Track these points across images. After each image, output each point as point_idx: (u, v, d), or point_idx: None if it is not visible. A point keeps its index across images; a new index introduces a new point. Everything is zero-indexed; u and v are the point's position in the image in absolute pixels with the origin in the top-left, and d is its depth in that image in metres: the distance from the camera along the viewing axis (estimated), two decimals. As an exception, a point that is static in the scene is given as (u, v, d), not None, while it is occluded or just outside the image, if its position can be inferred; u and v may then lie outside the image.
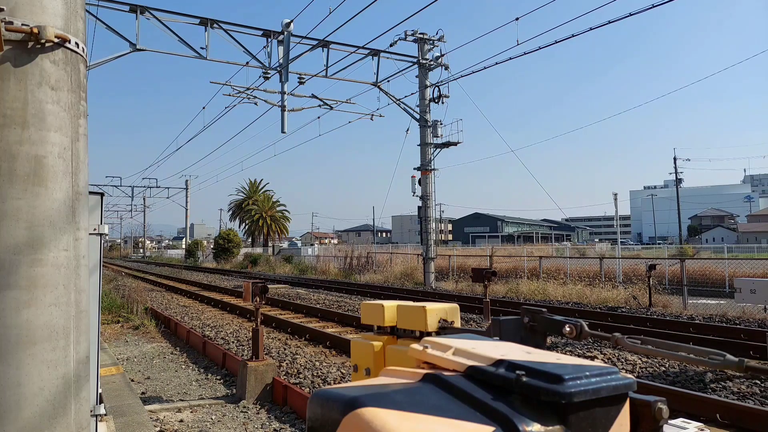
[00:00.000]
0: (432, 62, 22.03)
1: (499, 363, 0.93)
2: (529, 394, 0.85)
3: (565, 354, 1.05)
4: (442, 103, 22.10)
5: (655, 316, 12.35)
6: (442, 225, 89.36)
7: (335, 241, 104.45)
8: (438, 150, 22.25)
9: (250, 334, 8.90)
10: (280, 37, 18.00)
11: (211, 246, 60.13)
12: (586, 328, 1.69)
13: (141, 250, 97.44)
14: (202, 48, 17.75)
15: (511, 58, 18.14)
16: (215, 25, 17.96)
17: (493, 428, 0.79)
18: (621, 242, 34.70)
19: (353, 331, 11.58)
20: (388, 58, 21.61)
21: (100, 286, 3.12)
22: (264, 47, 18.83)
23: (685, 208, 72.25)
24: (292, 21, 16.90)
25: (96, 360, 3.01)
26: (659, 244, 56.57)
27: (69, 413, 1.97)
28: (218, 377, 7.96)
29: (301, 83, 20.84)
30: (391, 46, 21.10)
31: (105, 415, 4.42)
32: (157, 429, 5.47)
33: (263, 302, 6.78)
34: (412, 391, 0.90)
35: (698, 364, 1.72)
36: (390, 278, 26.21)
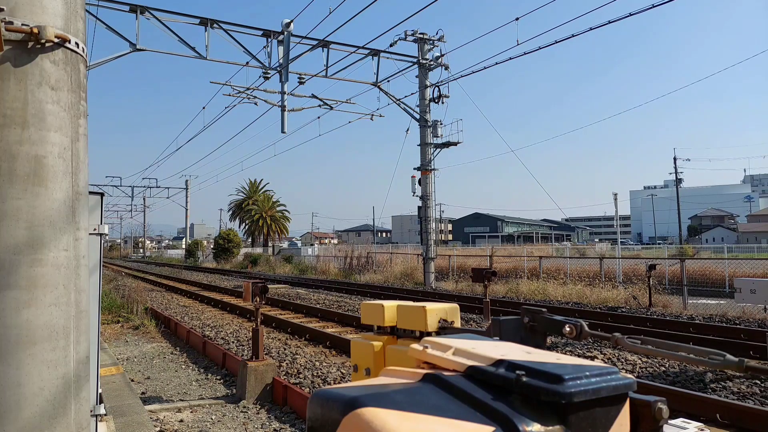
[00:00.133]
0: (432, 62, 22.03)
1: (499, 363, 0.93)
2: (529, 394, 0.85)
3: (565, 354, 1.05)
4: (442, 103, 22.11)
5: (655, 316, 12.35)
6: (442, 225, 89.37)
7: (335, 241, 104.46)
8: (438, 150, 22.26)
9: (250, 334, 8.90)
10: (280, 37, 18.01)
11: (211, 246, 60.14)
12: (586, 328, 1.69)
13: (141, 250, 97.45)
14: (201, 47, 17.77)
15: (511, 58, 18.16)
16: (215, 25, 17.96)
17: (493, 428, 0.79)
18: (621, 242, 34.70)
19: (353, 331, 11.58)
20: (388, 58, 21.62)
21: (100, 286, 3.12)
22: (264, 47, 18.84)
23: (685, 208, 72.26)
24: (292, 21, 16.90)
25: (96, 360, 3.01)
26: (659, 244, 56.58)
27: (69, 413, 1.97)
28: (218, 377, 7.97)
29: (301, 83, 20.84)
30: (391, 46, 21.11)
31: (105, 415, 4.43)
32: (157, 429, 5.47)
33: (263, 302, 6.78)
34: (412, 391, 0.91)
35: (698, 364, 1.72)
36: (390, 278, 26.21)
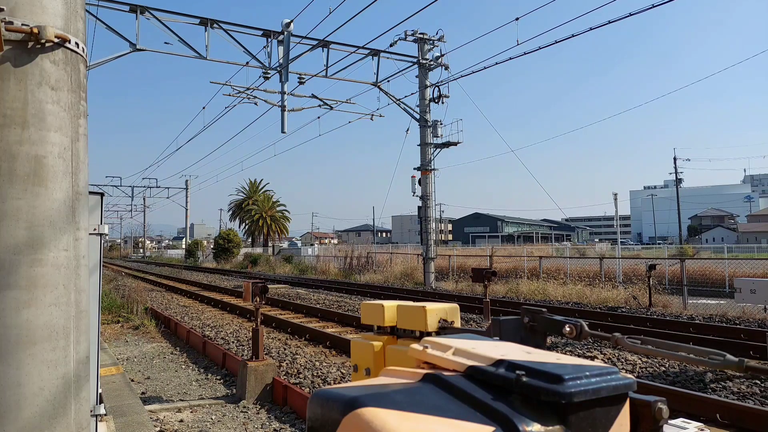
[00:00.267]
0: (432, 62, 22.03)
1: (499, 363, 0.93)
2: (529, 394, 0.85)
3: (565, 354, 1.05)
4: (442, 103, 22.11)
5: (655, 316, 12.34)
6: (442, 225, 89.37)
7: (335, 241, 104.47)
8: (438, 150, 22.26)
9: (250, 334, 8.90)
10: (280, 37, 18.01)
11: (211, 246, 60.14)
12: (586, 328, 1.69)
13: (141, 250, 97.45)
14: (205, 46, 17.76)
15: (511, 58, 18.16)
16: (215, 25, 17.96)
17: (493, 428, 0.79)
18: (621, 242, 34.70)
19: (353, 331, 11.58)
20: (388, 58, 21.62)
21: (100, 286, 3.12)
22: (264, 47, 18.84)
23: (685, 208, 72.27)
24: (292, 21, 16.90)
25: (96, 360, 3.01)
26: (659, 244, 56.57)
27: (69, 413, 1.97)
28: (218, 377, 7.97)
29: (301, 83, 20.84)
30: (391, 46, 21.11)
31: (105, 415, 4.43)
32: (157, 429, 5.47)
33: (263, 302, 6.78)
34: (412, 391, 0.91)
35: (698, 364, 1.72)
36: (390, 278, 26.21)
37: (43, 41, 1.92)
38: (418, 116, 22.27)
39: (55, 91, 1.98)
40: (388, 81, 22.10)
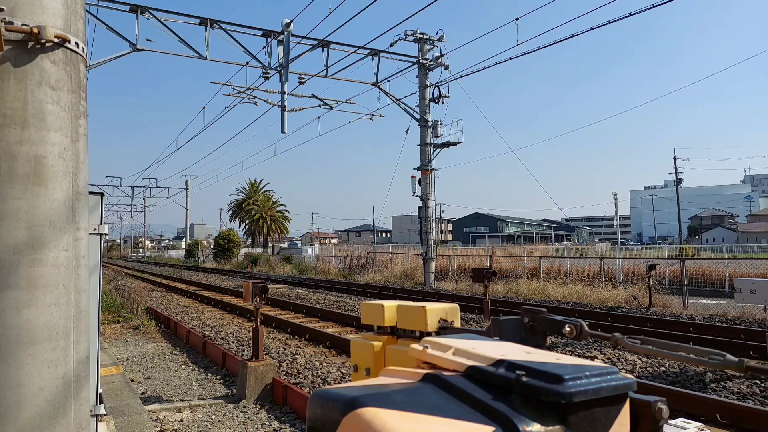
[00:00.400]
0: (432, 62, 22.03)
1: (499, 363, 0.93)
2: (529, 394, 0.85)
3: (565, 354, 1.05)
4: (442, 103, 22.11)
5: (655, 316, 12.34)
6: (442, 225, 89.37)
7: (335, 241, 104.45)
8: (438, 150, 22.26)
9: (250, 334, 8.90)
10: (280, 37, 18.01)
11: (211, 246, 60.14)
12: (586, 328, 1.69)
13: (141, 250, 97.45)
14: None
15: (511, 58, 18.16)
16: (215, 25, 17.96)
17: (493, 428, 0.79)
18: (621, 242, 34.71)
19: (353, 331, 11.58)
20: (388, 58, 21.62)
21: (100, 286, 3.12)
22: (264, 47, 18.84)
23: (685, 208, 72.26)
24: (292, 21, 16.90)
25: (96, 360, 3.01)
26: (659, 244, 56.57)
27: (69, 413, 1.97)
28: (218, 377, 7.97)
29: (301, 83, 20.84)
30: (391, 46, 21.11)
31: (105, 415, 4.43)
32: (157, 429, 5.47)
33: (263, 302, 6.78)
34: (412, 391, 0.91)
35: (698, 364, 1.72)
36: (390, 278, 26.21)
37: (43, 41, 1.92)
38: (418, 116, 22.27)
39: (55, 91, 1.98)
40: (388, 81, 22.12)
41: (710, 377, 7.01)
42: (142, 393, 7.06)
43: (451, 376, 0.94)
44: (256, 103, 21.62)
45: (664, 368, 7.60)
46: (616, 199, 23.25)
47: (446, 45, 24.48)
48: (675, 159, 60.48)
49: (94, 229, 2.98)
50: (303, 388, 6.86)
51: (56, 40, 1.96)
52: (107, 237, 3.50)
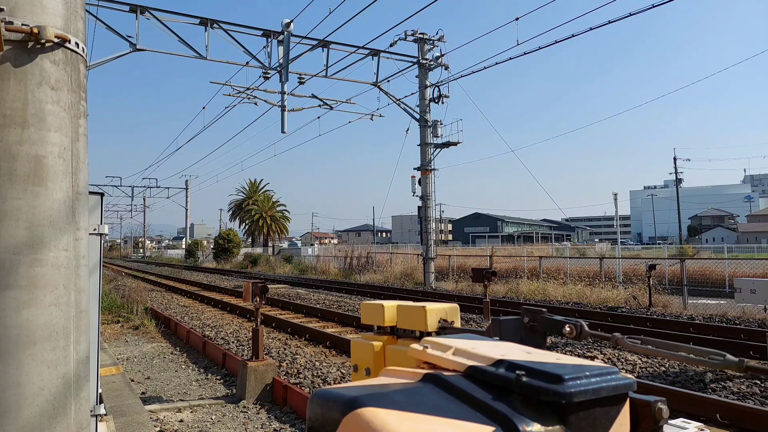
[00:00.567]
0: (432, 62, 22.03)
1: (499, 363, 0.93)
2: (529, 394, 0.85)
3: (565, 354, 1.05)
4: (442, 103, 22.11)
5: (655, 316, 12.34)
6: (442, 225, 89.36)
7: (335, 241, 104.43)
8: (438, 150, 22.26)
9: (250, 334, 8.90)
10: (280, 37, 18.01)
11: (211, 246, 60.14)
12: (586, 328, 1.69)
13: (141, 250, 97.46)
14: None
15: (511, 58, 18.16)
16: (215, 25, 17.96)
17: (493, 428, 0.79)
18: (621, 242, 34.71)
19: (353, 331, 11.58)
20: (388, 58, 21.62)
21: (100, 286, 3.12)
22: (264, 47, 18.84)
23: (685, 208, 72.26)
24: (292, 21, 16.90)
25: (96, 360, 3.01)
26: (659, 244, 56.57)
27: (69, 413, 1.97)
28: (218, 377, 7.97)
29: (301, 83, 20.84)
30: (391, 46, 21.11)
31: (105, 415, 4.42)
32: (157, 429, 5.47)
33: (263, 302, 6.78)
34: (412, 391, 0.91)
35: (698, 364, 1.72)
36: (390, 278, 26.21)
37: (43, 41, 1.92)
38: (418, 116, 22.27)
39: (55, 91, 1.98)
40: (388, 81, 22.12)
41: (710, 377, 7.02)
42: (142, 393, 7.06)
43: (451, 376, 0.94)
44: (256, 103, 21.63)
45: (664, 368, 7.60)
46: (616, 199, 23.26)
47: (446, 45, 24.50)
48: (675, 159, 60.53)
49: (94, 229, 2.98)
50: (303, 388, 6.86)
51: (56, 40, 1.96)
52: (107, 237, 3.50)
